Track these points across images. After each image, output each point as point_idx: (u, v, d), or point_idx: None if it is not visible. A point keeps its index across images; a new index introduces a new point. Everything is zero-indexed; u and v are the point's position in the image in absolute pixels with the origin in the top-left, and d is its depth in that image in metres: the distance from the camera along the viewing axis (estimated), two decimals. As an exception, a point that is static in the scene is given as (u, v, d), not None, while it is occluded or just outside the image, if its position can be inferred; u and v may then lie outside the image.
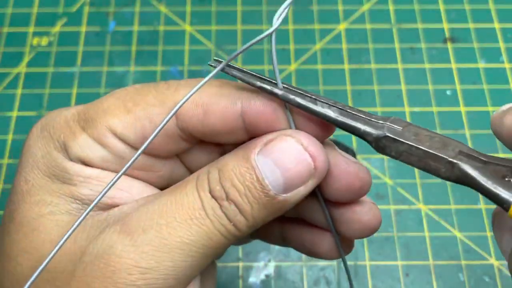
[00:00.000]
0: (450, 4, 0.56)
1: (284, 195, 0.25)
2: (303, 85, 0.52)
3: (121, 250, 0.24)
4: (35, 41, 0.54)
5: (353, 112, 0.26)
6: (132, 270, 0.24)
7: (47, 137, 0.28)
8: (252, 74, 0.26)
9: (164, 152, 0.28)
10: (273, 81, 0.26)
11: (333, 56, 0.53)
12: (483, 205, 0.46)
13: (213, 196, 0.25)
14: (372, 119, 0.26)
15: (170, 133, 0.27)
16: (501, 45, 0.54)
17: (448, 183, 0.47)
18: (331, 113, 0.26)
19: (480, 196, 0.47)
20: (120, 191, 0.27)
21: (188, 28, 0.55)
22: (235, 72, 0.27)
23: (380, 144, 0.26)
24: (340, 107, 0.26)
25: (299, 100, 0.26)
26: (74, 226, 0.24)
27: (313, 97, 0.26)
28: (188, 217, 0.25)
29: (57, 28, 0.54)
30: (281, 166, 0.25)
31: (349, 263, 0.43)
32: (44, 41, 0.54)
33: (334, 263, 0.43)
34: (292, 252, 0.43)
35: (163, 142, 0.27)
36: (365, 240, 0.45)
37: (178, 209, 0.25)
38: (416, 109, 0.51)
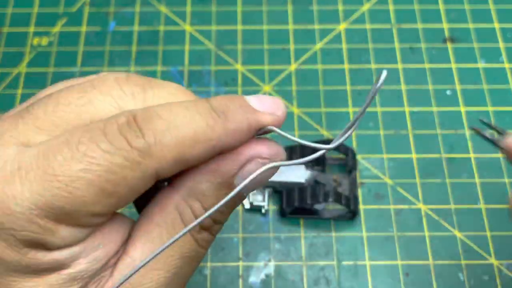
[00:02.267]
0: (450, 4, 0.56)
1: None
2: (303, 85, 0.52)
3: None
4: (36, 41, 0.54)
5: None
6: None
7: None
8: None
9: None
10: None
11: (333, 56, 0.53)
12: (483, 205, 0.46)
13: (202, 229, 0.26)
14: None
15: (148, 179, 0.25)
16: (501, 45, 0.54)
17: (448, 182, 0.47)
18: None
19: (480, 195, 0.47)
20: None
21: (188, 28, 0.55)
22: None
23: None
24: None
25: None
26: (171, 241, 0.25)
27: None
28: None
29: (57, 28, 0.54)
30: (259, 183, 0.27)
31: (349, 263, 0.43)
32: (45, 41, 0.54)
33: (334, 263, 0.43)
34: (292, 252, 0.44)
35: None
36: (365, 240, 0.45)
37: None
38: (416, 109, 0.51)
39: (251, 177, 0.25)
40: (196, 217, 0.26)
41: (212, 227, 0.27)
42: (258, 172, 0.26)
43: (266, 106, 0.27)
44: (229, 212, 0.28)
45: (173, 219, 0.26)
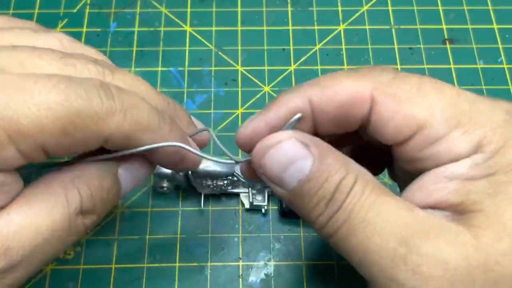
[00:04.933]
0: (449, 5, 0.57)
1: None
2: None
3: None
4: (36, 41, 0.54)
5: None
6: None
7: None
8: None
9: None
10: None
11: (332, 57, 0.54)
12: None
13: (81, 213, 0.29)
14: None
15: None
16: (500, 45, 0.54)
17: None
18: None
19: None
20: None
21: (188, 28, 0.55)
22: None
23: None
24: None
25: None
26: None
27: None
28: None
29: (58, 29, 0.55)
30: (137, 177, 0.31)
31: (349, 262, 0.43)
32: (45, 41, 0.54)
33: (334, 262, 0.43)
34: (292, 251, 0.44)
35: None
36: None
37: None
38: (415, 109, 0.51)
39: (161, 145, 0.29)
40: (81, 198, 0.28)
41: (90, 212, 0.29)
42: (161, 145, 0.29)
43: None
44: (106, 204, 0.30)
45: (57, 195, 0.28)
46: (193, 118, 0.34)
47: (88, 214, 0.29)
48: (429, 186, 0.27)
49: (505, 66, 0.53)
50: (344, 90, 0.28)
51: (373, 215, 0.26)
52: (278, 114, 0.29)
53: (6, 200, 0.27)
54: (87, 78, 0.27)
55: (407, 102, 0.26)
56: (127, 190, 0.31)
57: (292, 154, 0.27)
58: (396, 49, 0.54)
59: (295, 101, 0.28)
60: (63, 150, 0.26)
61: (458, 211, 0.25)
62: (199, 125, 0.34)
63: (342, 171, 0.27)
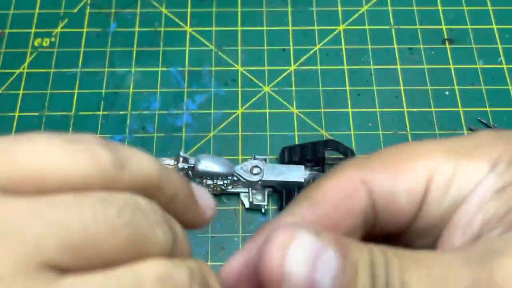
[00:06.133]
0: (449, 5, 0.57)
1: None
2: (303, 85, 0.52)
3: None
4: (37, 42, 0.54)
5: None
6: None
7: None
8: None
9: None
10: None
11: (332, 57, 0.54)
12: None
13: None
14: None
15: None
16: (499, 46, 0.54)
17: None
18: None
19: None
20: None
21: (188, 29, 0.55)
22: None
23: None
24: None
25: None
26: None
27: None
28: None
29: (58, 29, 0.55)
30: None
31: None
32: (46, 42, 0.54)
33: (333, 262, 0.43)
34: (292, 251, 0.44)
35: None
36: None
37: None
38: (415, 109, 0.51)
39: None
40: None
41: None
42: None
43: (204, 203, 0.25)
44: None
45: None
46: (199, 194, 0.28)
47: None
48: (464, 222, 0.23)
49: (505, 66, 0.53)
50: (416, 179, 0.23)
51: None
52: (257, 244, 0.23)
53: None
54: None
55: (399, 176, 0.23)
56: None
57: (312, 247, 0.21)
58: (396, 49, 0.54)
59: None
60: None
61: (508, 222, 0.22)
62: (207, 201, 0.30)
63: (364, 249, 0.22)
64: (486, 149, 0.24)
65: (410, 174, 0.23)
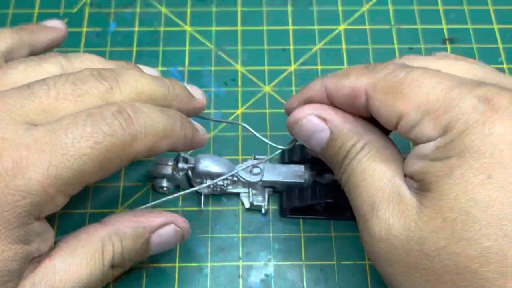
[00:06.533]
0: (449, 5, 0.57)
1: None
2: (303, 85, 0.52)
3: None
4: (36, 41, 0.54)
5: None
6: None
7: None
8: None
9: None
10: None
11: (333, 57, 0.54)
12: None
13: (112, 266, 0.33)
14: None
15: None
16: (500, 45, 0.54)
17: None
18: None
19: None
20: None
21: (188, 28, 0.55)
22: None
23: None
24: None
25: None
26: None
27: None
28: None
29: (58, 29, 0.54)
30: (167, 244, 0.37)
31: (348, 262, 0.43)
32: (45, 41, 0.54)
33: (334, 262, 0.43)
34: (292, 252, 0.44)
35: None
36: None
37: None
38: (416, 109, 0.51)
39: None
40: (114, 253, 0.32)
41: (118, 267, 0.34)
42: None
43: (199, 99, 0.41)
44: (133, 261, 0.35)
45: (95, 248, 0.32)
46: (188, 86, 0.40)
47: (117, 267, 0.34)
48: (409, 159, 0.31)
49: (505, 66, 0.53)
50: (347, 85, 0.33)
51: (361, 179, 0.32)
52: (307, 93, 0.37)
53: (46, 248, 0.30)
54: (105, 108, 0.30)
55: (391, 95, 0.31)
56: (154, 253, 0.36)
57: (311, 128, 0.35)
58: (396, 49, 0.54)
59: (316, 87, 0.36)
60: (99, 179, 0.30)
61: (421, 187, 0.29)
62: (197, 91, 0.40)
63: (353, 139, 0.33)
64: (451, 106, 0.29)
65: (392, 108, 0.31)
